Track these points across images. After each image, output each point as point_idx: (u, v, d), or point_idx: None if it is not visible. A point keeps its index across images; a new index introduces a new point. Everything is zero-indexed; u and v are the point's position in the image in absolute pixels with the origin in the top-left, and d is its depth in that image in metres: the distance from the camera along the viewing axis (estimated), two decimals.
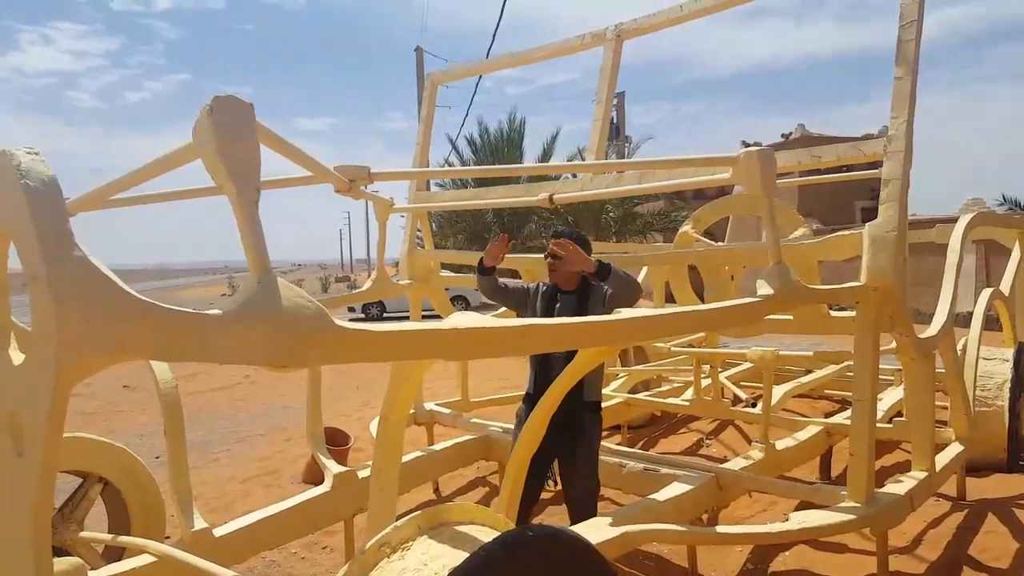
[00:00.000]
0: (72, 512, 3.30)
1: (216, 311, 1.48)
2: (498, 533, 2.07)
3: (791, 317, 3.82)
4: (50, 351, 1.29)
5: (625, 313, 2.67)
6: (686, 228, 4.52)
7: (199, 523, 3.02)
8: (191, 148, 1.74)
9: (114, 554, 3.32)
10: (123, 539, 3.07)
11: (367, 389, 9.89)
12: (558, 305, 3.56)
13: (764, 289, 2.90)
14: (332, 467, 3.79)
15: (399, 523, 1.96)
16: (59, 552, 3.04)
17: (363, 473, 3.88)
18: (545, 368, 3.48)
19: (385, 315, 24.61)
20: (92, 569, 2.75)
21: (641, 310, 2.59)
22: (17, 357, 1.54)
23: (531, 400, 3.48)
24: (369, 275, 5.68)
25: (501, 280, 3.78)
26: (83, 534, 3.21)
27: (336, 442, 5.76)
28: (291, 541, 3.77)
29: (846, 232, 3.55)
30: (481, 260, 3.73)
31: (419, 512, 2.01)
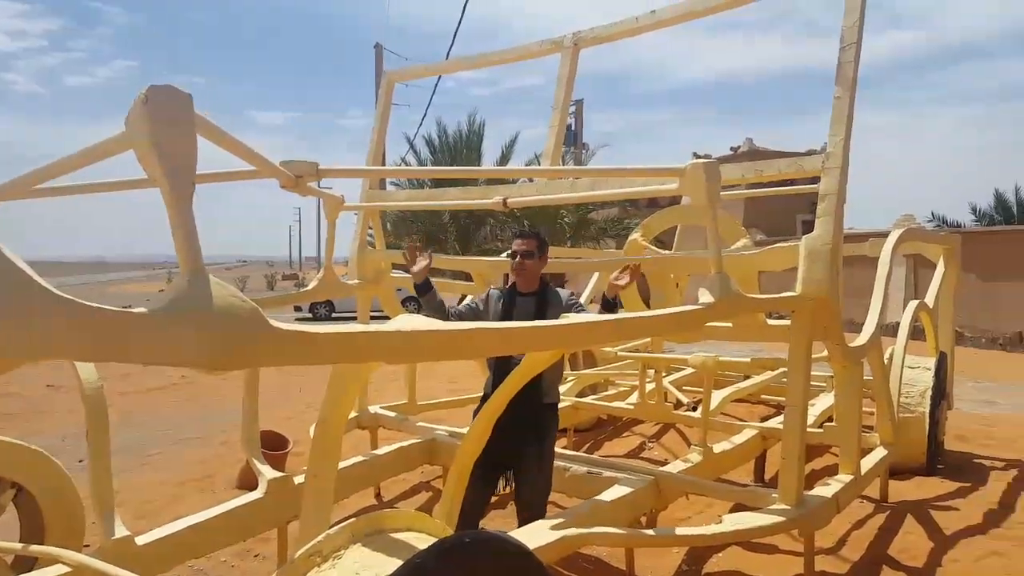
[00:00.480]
0: None
1: (142, 310, 1.42)
2: (434, 539, 2.04)
3: (730, 324, 3.90)
4: None
5: (573, 318, 2.68)
6: (635, 236, 4.58)
7: (120, 530, 2.88)
8: (124, 138, 1.67)
9: (25, 565, 3.13)
10: (35, 548, 2.87)
11: (312, 391, 9.70)
12: (515, 308, 3.56)
13: (706, 297, 2.96)
14: (267, 472, 3.69)
15: (331, 531, 1.90)
16: None
17: (299, 479, 3.77)
18: (504, 372, 3.45)
19: (334, 315, 24.25)
20: None
21: (589, 315, 2.60)
22: None
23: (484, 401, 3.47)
24: (319, 273, 5.57)
25: (450, 307, 3.69)
26: None
27: (274, 446, 5.62)
28: (220, 549, 3.65)
29: (784, 244, 3.63)
30: (415, 285, 3.63)
31: (353, 519, 1.96)
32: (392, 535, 1.99)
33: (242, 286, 36.79)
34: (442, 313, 3.59)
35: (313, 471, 2.15)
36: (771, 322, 3.81)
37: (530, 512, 3.47)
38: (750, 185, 7.03)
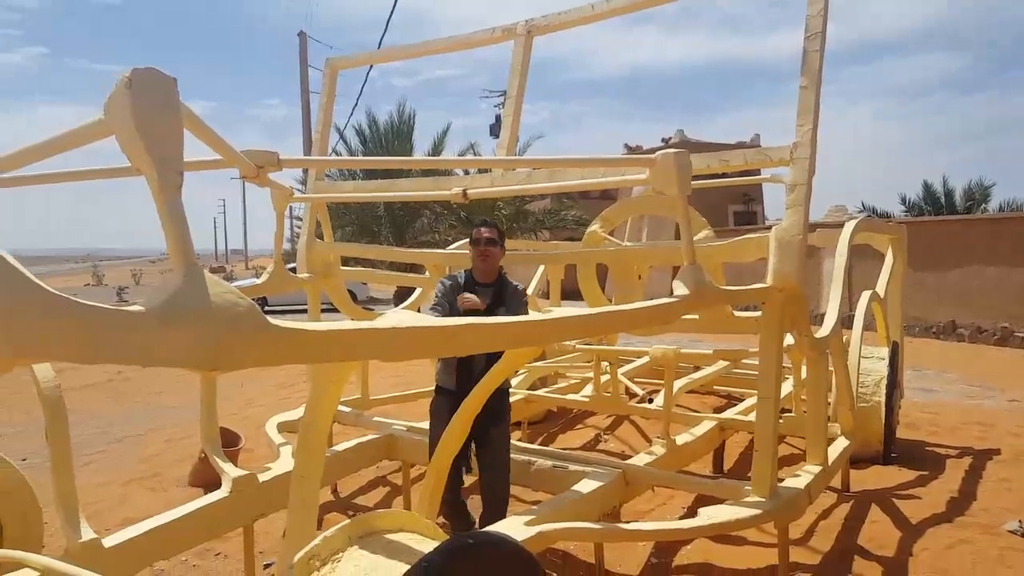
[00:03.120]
0: None
1: (138, 308, 1.32)
2: (429, 540, 2.00)
3: (697, 316, 3.92)
4: None
5: (555, 313, 2.64)
6: (595, 227, 4.56)
7: (87, 533, 2.76)
8: (103, 124, 1.56)
9: None
10: None
11: (253, 388, 9.45)
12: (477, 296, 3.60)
13: (680, 289, 2.95)
14: (231, 471, 3.56)
15: (328, 533, 1.85)
16: None
17: (263, 476, 3.69)
18: (467, 365, 3.50)
19: (266, 309, 23.67)
20: None
21: (570, 310, 2.56)
22: None
23: (452, 395, 3.45)
24: (246, 266, 5.40)
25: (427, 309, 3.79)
26: None
27: (226, 443, 5.45)
28: (188, 550, 3.52)
29: (753, 235, 3.67)
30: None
31: (348, 521, 1.91)
32: (386, 536, 1.95)
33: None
34: None
35: (299, 472, 2.07)
36: (737, 313, 3.84)
37: (497, 491, 3.66)
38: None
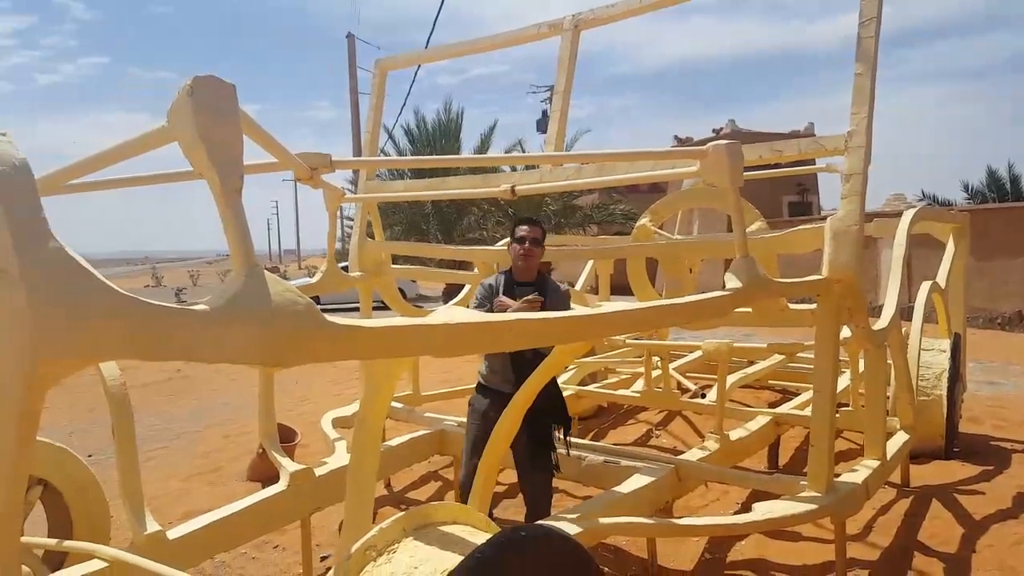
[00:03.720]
0: None
1: (203, 307, 1.37)
2: (481, 532, 2.02)
3: (750, 309, 3.87)
4: (22, 352, 1.16)
5: (607, 307, 2.64)
6: (644, 221, 4.53)
7: (152, 526, 2.87)
8: (166, 131, 1.62)
9: (55, 560, 3.13)
10: (69, 544, 2.89)
11: (306, 384, 9.65)
12: (516, 298, 3.54)
13: (733, 282, 2.92)
14: (288, 465, 3.66)
15: (384, 525, 1.89)
16: None
17: (320, 471, 3.77)
18: (520, 361, 3.46)
19: (319, 308, 24.06)
20: None
21: (623, 304, 2.56)
22: None
23: (496, 393, 3.46)
24: (299, 266, 5.51)
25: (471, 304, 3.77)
26: (24, 539, 3.00)
27: (282, 438, 5.59)
28: (247, 542, 3.63)
29: (807, 226, 3.60)
30: None
31: (403, 514, 1.95)
32: (440, 528, 1.98)
33: (224, 279, 36.95)
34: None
35: (355, 466, 2.11)
36: (792, 306, 3.78)
37: (540, 489, 3.60)
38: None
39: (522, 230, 3.63)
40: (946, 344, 5.35)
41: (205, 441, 7.06)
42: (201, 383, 10.27)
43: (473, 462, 3.50)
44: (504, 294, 3.59)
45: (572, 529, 2.84)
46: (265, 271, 1.50)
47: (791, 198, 25.65)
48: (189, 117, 1.47)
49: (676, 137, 28.87)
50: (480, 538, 1.88)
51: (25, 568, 2.09)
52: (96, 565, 2.62)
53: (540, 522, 2.86)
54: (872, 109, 3.34)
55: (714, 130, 26.69)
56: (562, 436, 3.65)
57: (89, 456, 5.90)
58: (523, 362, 3.42)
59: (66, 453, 3.34)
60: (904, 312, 4.86)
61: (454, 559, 1.71)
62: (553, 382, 3.44)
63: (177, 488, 5.52)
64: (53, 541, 2.98)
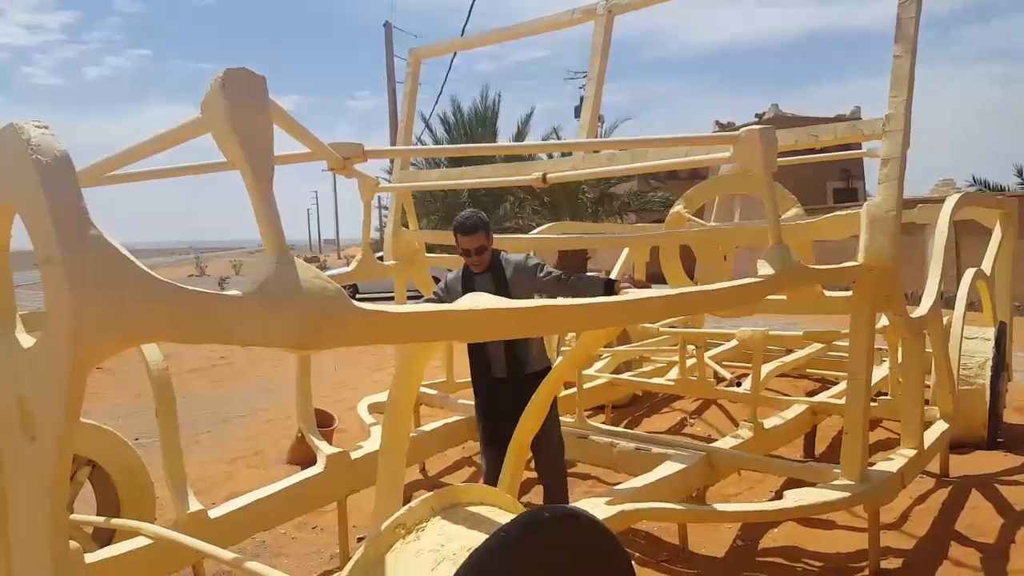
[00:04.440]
0: None
1: (236, 292, 1.43)
2: (508, 513, 2.06)
3: (784, 297, 3.83)
4: (66, 336, 1.23)
5: (635, 293, 2.65)
6: (678, 208, 4.50)
7: (194, 505, 2.99)
8: (200, 123, 1.68)
9: (103, 537, 3.27)
10: (116, 521, 3.02)
11: (345, 371, 9.81)
12: (475, 288, 3.43)
13: (765, 269, 2.90)
14: (325, 448, 3.75)
15: (413, 504, 1.94)
16: None
17: (355, 454, 3.86)
18: (512, 350, 3.54)
19: (357, 296, 24.39)
20: (85, 552, 2.70)
21: (651, 290, 2.57)
22: (25, 340, 1.48)
23: (497, 382, 3.60)
24: (339, 255, 5.59)
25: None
26: (73, 517, 3.14)
27: (320, 423, 5.71)
28: (285, 522, 3.74)
29: (843, 212, 3.55)
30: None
31: (431, 493, 2.00)
32: (468, 508, 2.02)
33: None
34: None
35: (386, 447, 2.16)
36: (828, 293, 3.73)
37: (553, 471, 3.68)
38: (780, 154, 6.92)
39: (464, 242, 3.52)
40: (991, 332, 5.22)
41: (248, 425, 7.24)
42: (245, 369, 10.50)
43: (489, 451, 3.62)
44: (463, 286, 3.53)
45: (601, 513, 2.87)
46: (297, 258, 1.56)
47: (836, 184, 25.09)
48: (221, 109, 1.52)
49: (717, 122, 28.44)
50: (507, 518, 1.92)
51: (74, 544, 2.18)
52: (142, 542, 2.74)
53: (567, 504, 2.89)
54: (912, 92, 3.28)
55: (756, 115, 26.21)
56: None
57: (136, 439, 6.08)
58: (514, 348, 3.53)
59: (114, 436, 3.48)
60: (950, 300, 4.77)
61: (480, 537, 1.75)
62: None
63: (222, 471, 5.68)
64: (101, 519, 3.12)
